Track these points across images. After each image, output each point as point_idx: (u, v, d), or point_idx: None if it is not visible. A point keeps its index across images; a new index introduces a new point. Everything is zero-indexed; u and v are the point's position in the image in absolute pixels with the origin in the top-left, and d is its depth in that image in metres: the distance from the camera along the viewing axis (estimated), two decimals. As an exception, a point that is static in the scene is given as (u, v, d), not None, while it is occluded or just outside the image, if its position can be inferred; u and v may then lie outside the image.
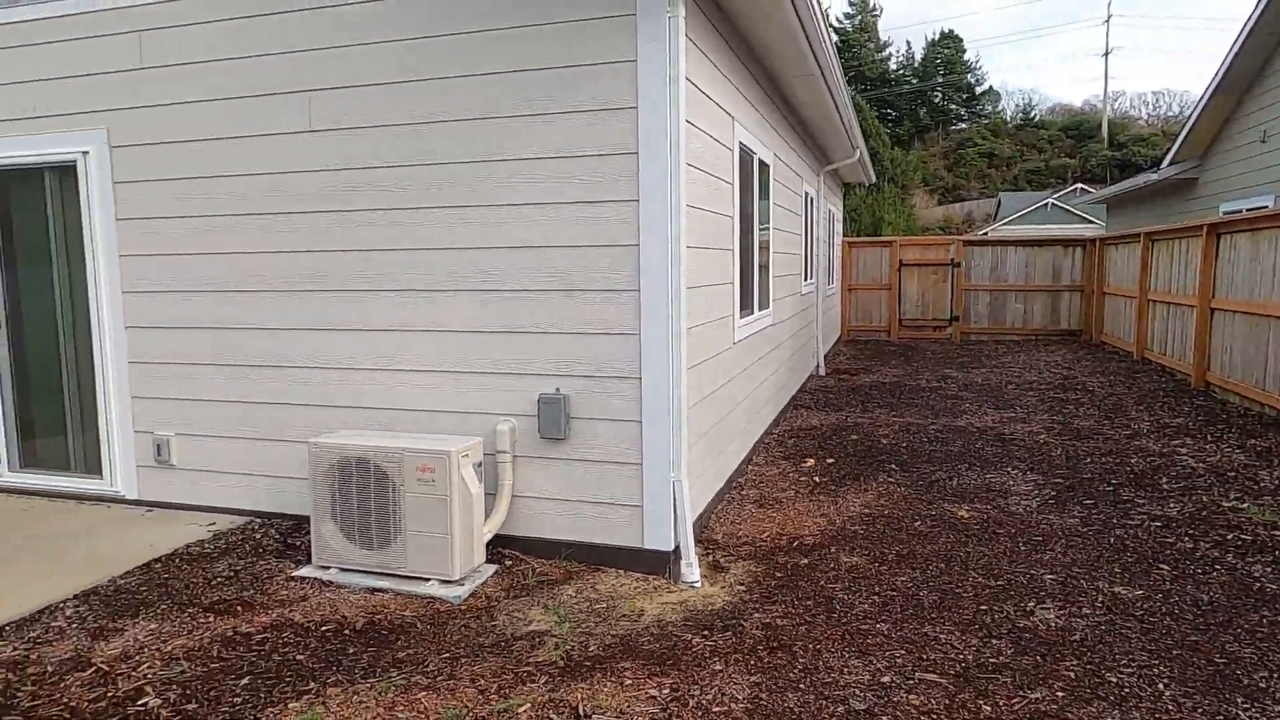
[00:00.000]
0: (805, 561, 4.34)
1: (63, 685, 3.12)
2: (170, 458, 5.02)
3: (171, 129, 4.79)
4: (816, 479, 5.96)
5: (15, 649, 3.40)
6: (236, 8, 4.57)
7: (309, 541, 4.46)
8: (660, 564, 4.15)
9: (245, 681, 3.13)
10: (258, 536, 4.64)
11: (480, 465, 4.11)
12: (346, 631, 3.54)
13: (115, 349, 5.05)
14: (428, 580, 3.96)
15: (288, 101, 4.54)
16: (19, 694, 3.07)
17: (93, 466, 5.26)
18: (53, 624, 3.61)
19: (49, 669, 3.24)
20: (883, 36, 64.63)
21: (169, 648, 3.39)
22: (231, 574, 4.13)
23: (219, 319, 4.84)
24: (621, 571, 4.18)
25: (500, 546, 4.35)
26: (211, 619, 3.65)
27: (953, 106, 62.68)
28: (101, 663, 3.28)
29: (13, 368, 5.35)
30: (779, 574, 4.17)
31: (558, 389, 4.23)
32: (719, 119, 5.01)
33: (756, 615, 3.69)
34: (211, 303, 4.85)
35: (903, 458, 6.56)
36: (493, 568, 4.18)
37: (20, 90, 5.04)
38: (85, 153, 4.94)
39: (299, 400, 4.73)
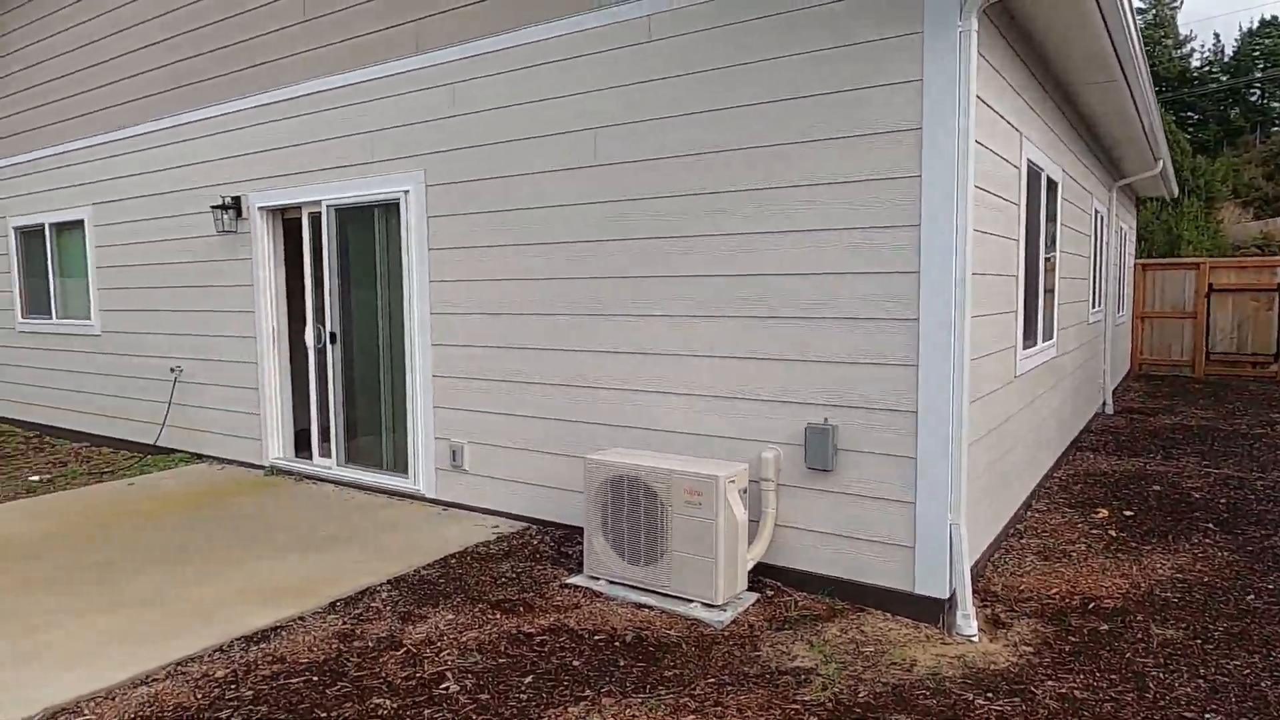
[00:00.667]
0: (1105, 628, 3.84)
1: (380, 661, 3.54)
2: (463, 463, 5.57)
3: (474, 168, 5.35)
4: (1112, 533, 5.28)
5: (344, 623, 3.92)
6: (526, 57, 5.02)
7: (580, 551, 4.72)
8: (932, 611, 3.88)
9: (529, 680, 3.35)
10: (534, 542, 5.00)
11: (745, 491, 4.11)
12: (616, 643, 3.68)
13: (423, 363, 5.71)
14: (691, 601, 4.02)
15: (576, 139, 4.89)
16: (347, 663, 3.53)
17: (400, 466, 5.98)
18: (371, 604, 4.13)
19: (369, 644, 3.69)
20: (1182, 31, 57.04)
21: (464, 639, 3.73)
22: (513, 575, 4.48)
23: (508, 339, 5.31)
24: (889, 615, 3.97)
25: (761, 575, 4.31)
26: (498, 616, 3.97)
27: (1275, 104, 53.65)
28: (410, 645, 3.68)
29: (343, 376, 6.25)
30: (1073, 639, 3.73)
31: (826, 419, 4.13)
32: (1006, 136, 4.65)
33: (1050, 684, 3.31)
34: (502, 324, 5.32)
35: (1222, 516, 5.62)
36: (754, 596, 4.15)
37: (361, 140, 5.91)
38: (406, 191, 5.66)
39: (575, 417, 5.05)
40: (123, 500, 6.11)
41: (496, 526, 5.28)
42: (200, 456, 7.37)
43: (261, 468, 6.85)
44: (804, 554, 4.25)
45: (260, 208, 6.57)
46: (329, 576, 4.47)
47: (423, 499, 5.83)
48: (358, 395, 6.25)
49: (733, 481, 4.00)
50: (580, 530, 4.95)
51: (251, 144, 6.61)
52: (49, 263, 8.65)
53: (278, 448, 6.81)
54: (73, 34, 7.99)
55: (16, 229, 9.01)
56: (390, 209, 5.83)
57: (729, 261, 4.39)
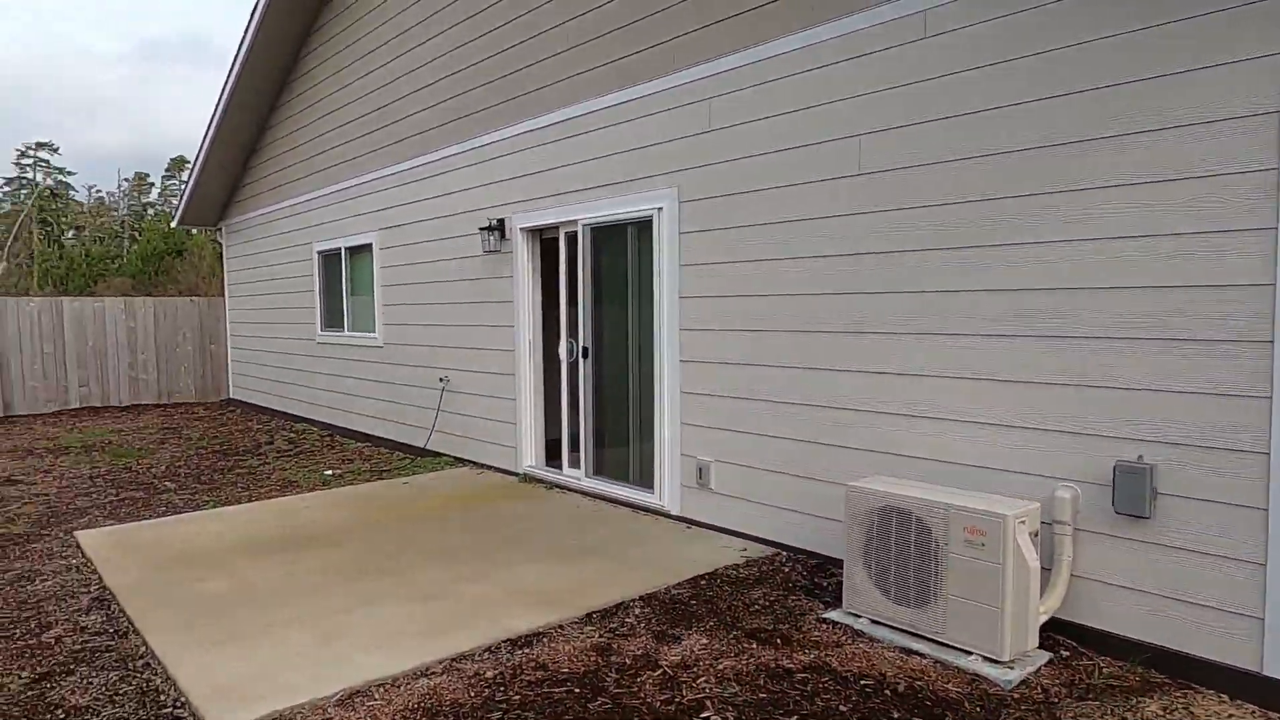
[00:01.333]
0: None
1: (638, 680, 3.50)
2: (709, 482, 5.49)
3: (727, 183, 5.27)
4: None
5: (600, 635, 3.94)
6: (780, 69, 4.85)
7: (835, 583, 4.44)
8: (1287, 699, 3.17)
9: (794, 721, 3.14)
10: (785, 570, 4.78)
11: (1036, 534, 3.63)
12: (886, 692, 3.37)
13: (671, 379, 5.72)
14: (970, 654, 3.60)
15: (835, 148, 4.66)
16: (606, 678, 3.52)
17: (646, 481, 6.03)
18: (625, 620, 4.12)
19: (626, 661, 3.67)
20: None
21: (720, 666, 3.60)
22: (766, 604, 4.29)
23: (759, 356, 5.16)
24: (1224, 697, 3.30)
25: (1053, 631, 3.79)
26: (754, 646, 3.80)
27: None
28: (666, 666, 3.61)
29: (593, 390, 6.43)
30: None
31: (1140, 456, 3.54)
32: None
33: None
34: (754, 341, 5.19)
35: None
36: (1045, 655, 3.64)
37: (617, 160, 6.07)
38: (659, 208, 5.72)
39: (831, 440, 4.78)
40: (400, 498, 6.70)
41: (744, 550, 5.13)
42: (461, 461, 7.95)
43: (515, 474, 7.23)
44: (1108, 613, 3.67)
45: (521, 228, 6.97)
46: (583, 586, 4.54)
47: (667, 515, 5.82)
48: (606, 409, 6.41)
49: (1022, 522, 3.55)
50: (835, 561, 4.67)
51: (514, 169, 7.05)
52: (343, 282, 9.82)
53: (531, 456, 7.16)
54: (363, 82, 9.03)
55: (319, 253, 10.34)
56: (643, 226, 5.93)
57: (1013, 274, 3.93)
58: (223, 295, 14.03)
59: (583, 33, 6.28)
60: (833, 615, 4.11)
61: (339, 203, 9.81)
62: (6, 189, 51.05)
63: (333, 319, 10.19)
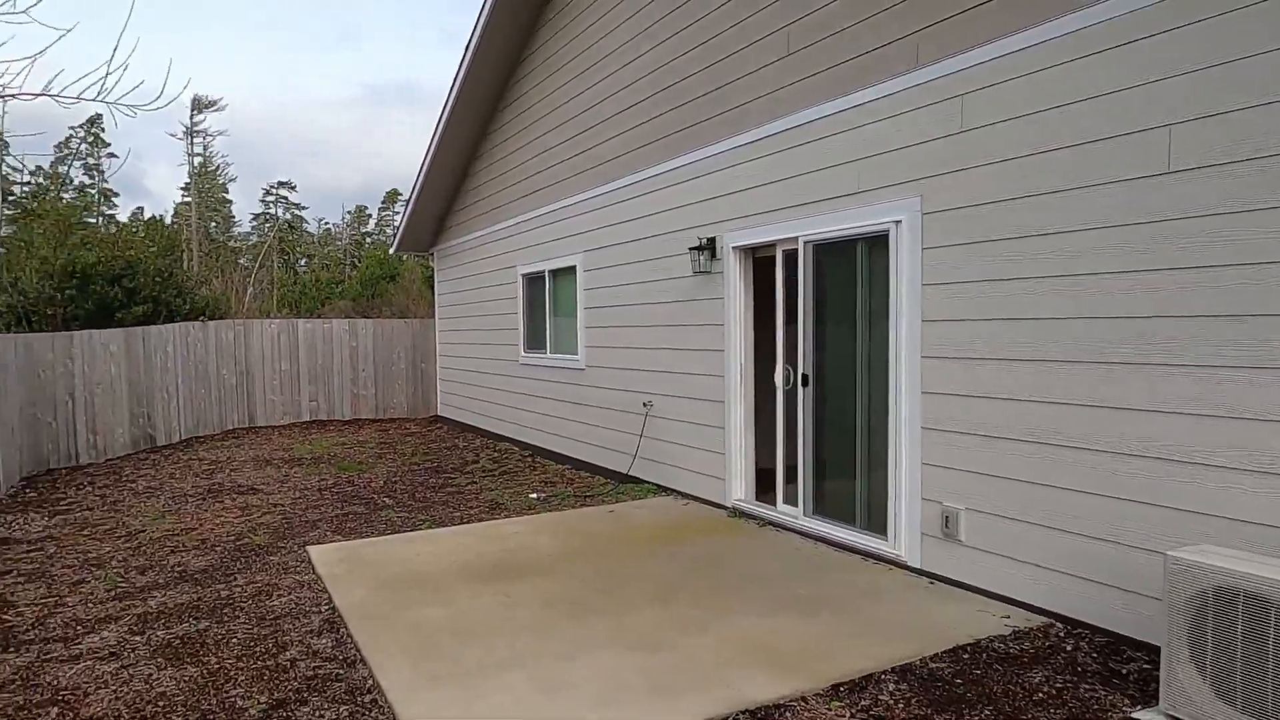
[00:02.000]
0: None
1: (909, 780, 2.92)
2: (958, 532, 4.78)
3: (984, 189, 4.59)
4: None
5: (853, 716, 3.39)
6: (1057, 54, 4.12)
7: (1138, 671, 3.62)
8: None
9: None
10: (1068, 648, 3.99)
11: None
12: (1254, 838, 2.58)
13: (910, 412, 5.07)
14: (1367, 795, 2.72)
15: (1135, 144, 3.87)
16: (867, 772, 2.97)
17: (876, 525, 5.39)
18: (880, 696, 3.54)
19: (888, 752, 3.10)
20: None
21: (1011, 773, 2.95)
22: (1053, 692, 3.55)
23: (1029, 390, 4.41)
24: None
25: None
26: (1050, 750, 3.10)
27: None
28: (941, 766, 3.00)
29: (813, 421, 5.88)
30: None
31: None
32: None
33: None
34: (1019, 372, 4.45)
35: None
36: None
37: (843, 171, 5.53)
38: (897, 221, 5.11)
39: (1131, 495, 3.95)
40: (606, 527, 6.47)
41: (1006, 617, 4.37)
42: (665, 489, 7.64)
43: (723, 508, 6.81)
44: None
45: (733, 247, 6.58)
46: (820, 648, 4.00)
47: (903, 566, 5.15)
48: (828, 443, 5.83)
49: None
50: (1132, 641, 3.84)
51: (725, 186, 6.68)
52: (546, 304, 9.90)
53: (740, 489, 6.71)
54: (569, 105, 9.06)
55: (523, 275, 10.51)
56: (876, 242, 5.34)
57: None
58: (432, 316, 14.77)
59: (802, 38, 5.81)
60: (1145, 716, 3.31)
61: (543, 226, 9.92)
62: (254, 223, 58.00)
63: (535, 341, 10.30)
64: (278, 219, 57.80)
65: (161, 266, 13.15)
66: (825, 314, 5.80)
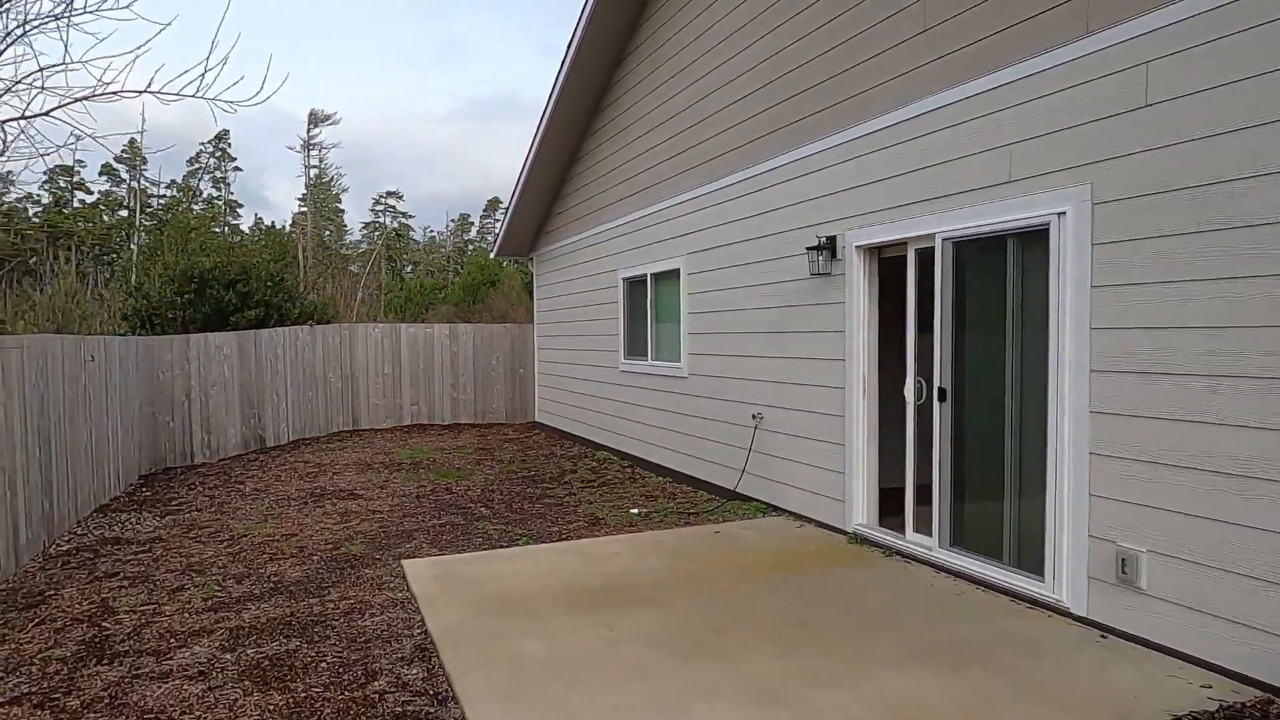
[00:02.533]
0: None
1: None
2: (1137, 578, 4.03)
3: (1176, 173, 3.84)
4: None
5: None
6: (1306, -3, 3.35)
7: None
8: None
9: None
10: (1300, 734, 3.23)
11: None
12: None
13: (1075, 434, 4.34)
14: None
15: (1395, 107, 3.08)
16: None
17: (1029, 563, 4.67)
18: (1062, 787, 2.89)
19: None
20: None
21: None
22: (1294, 797, 2.82)
23: (1235, 413, 3.64)
24: None
25: None
26: None
27: None
28: None
29: (952, 441, 5.20)
30: None
31: None
32: None
33: None
34: (1229, 391, 3.68)
35: None
36: None
37: (990, 158, 4.85)
38: (1060, 214, 4.40)
39: (1373, 545, 3.16)
40: (714, 551, 5.94)
41: (1208, 686, 3.61)
42: (775, 509, 7.05)
43: (843, 533, 6.17)
44: None
45: (857, 246, 5.96)
46: (979, 717, 3.37)
47: (1063, 613, 4.41)
48: (969, 466, 5.14)
49: None
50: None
51: (846, 180, 6.06)
52: (648, 309, 9.47)
53: (862, 513, 6.06)
54: (673, 102, 8.60)
55: (624, 280, 10.12)
56: (1032, 238, 4.63)
57: None
58: (531, 321, 14.60)
59: (941, 10, 5.16)
60: None
61: (645, 228, 9.49)
62: (364, 232, 60.29)
63: (636, 347, 9.88)
64: (386, 227, 59.88)
65: (273, 271, 13.45)
66: (966, 320, 5.11)
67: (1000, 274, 4.86)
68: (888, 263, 6.01)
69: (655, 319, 9.38)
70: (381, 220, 61.36)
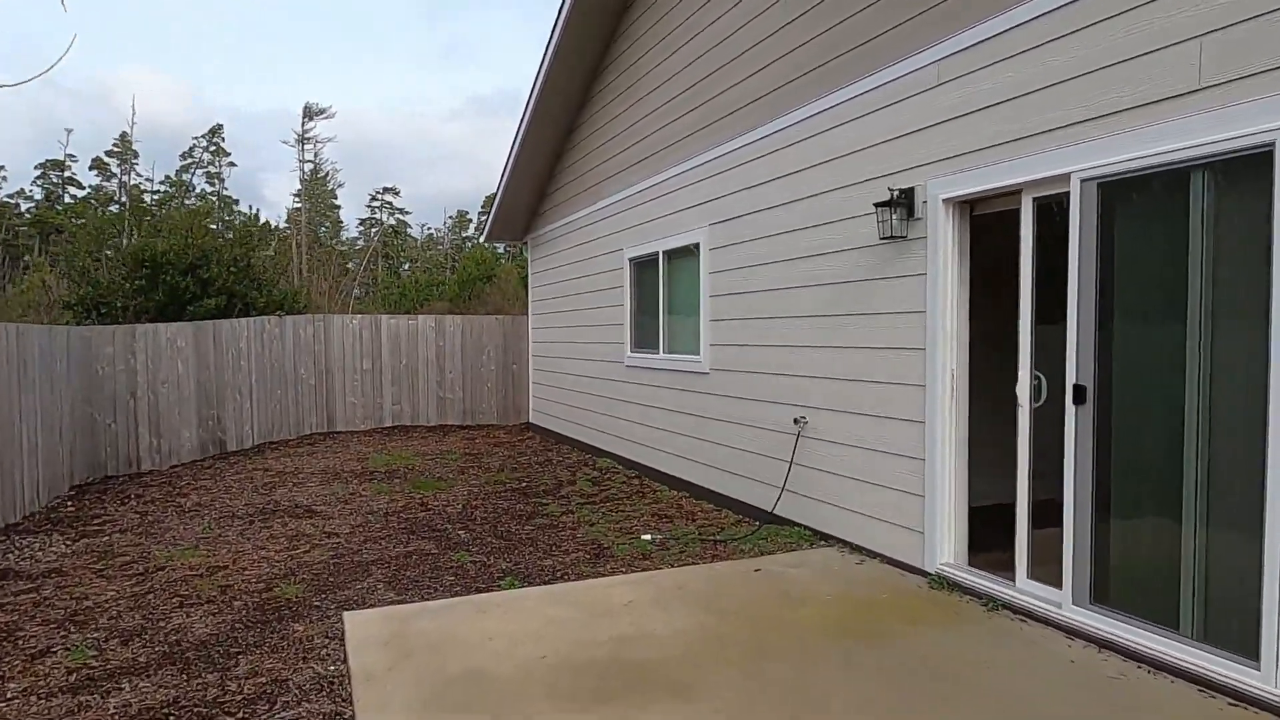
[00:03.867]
0: None
1: None
2: None
3: None
4: None
5: None
6: None
7: None
8: None
9: None
10: None
11: None
12: None
13: (1322, 457, 2.87)
14: None
15: None
16: None
17: (1229, 639, 3.19)
18: None
19: None
20: None
21: None
22: None
23: None
24: None
25: None
26: None
27: None
28: None
29: (1094, 458, 3.72)
30: None
31: None
32: None
33: None
34: None
35: None
36: None
37: (1170, 59, 3.37)
38: (1294, 128, 2.92)
39: None
40: (757, 599, 4.45)
41: None
42: (824, 537, 5.56)
43: (919, 572, 4.70)
44: None
45: (946, 200, 4.48)
46: None
47: (1296, 718, 2.95)
48: (1123, 493, 3.66)
49: None
50: None
51: (927, 114, 4.59)
52: (660, 293, 7.98)
53: (948, 549, 4.58)
54: (690, 47, 7.11)
55: (631, 260, 8.63)
56: (1238, 169, 3.16)
57: None
58: (525, 313, 13.09)
59: None
60: None
61: (655, 199, 8.01)
62: (360, 228, 58.67)
63: (645, 338, 8.39)
64: (382, 224, 58.37)
65: (238, 256, 11.91)
66: (1117, 292, 3.64)
67: (1177, 225, 3.38)
68: (981, 222, 4.53)
69: (668, 305, 7.89)
70: (378, 217, 59.81)
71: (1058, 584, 3.89)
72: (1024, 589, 4.09)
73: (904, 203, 4.66)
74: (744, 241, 6.44)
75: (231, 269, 11.67)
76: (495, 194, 11.54)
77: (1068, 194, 3.78)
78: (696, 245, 7.20)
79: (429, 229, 61.84)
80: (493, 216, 11.95)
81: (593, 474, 8.69)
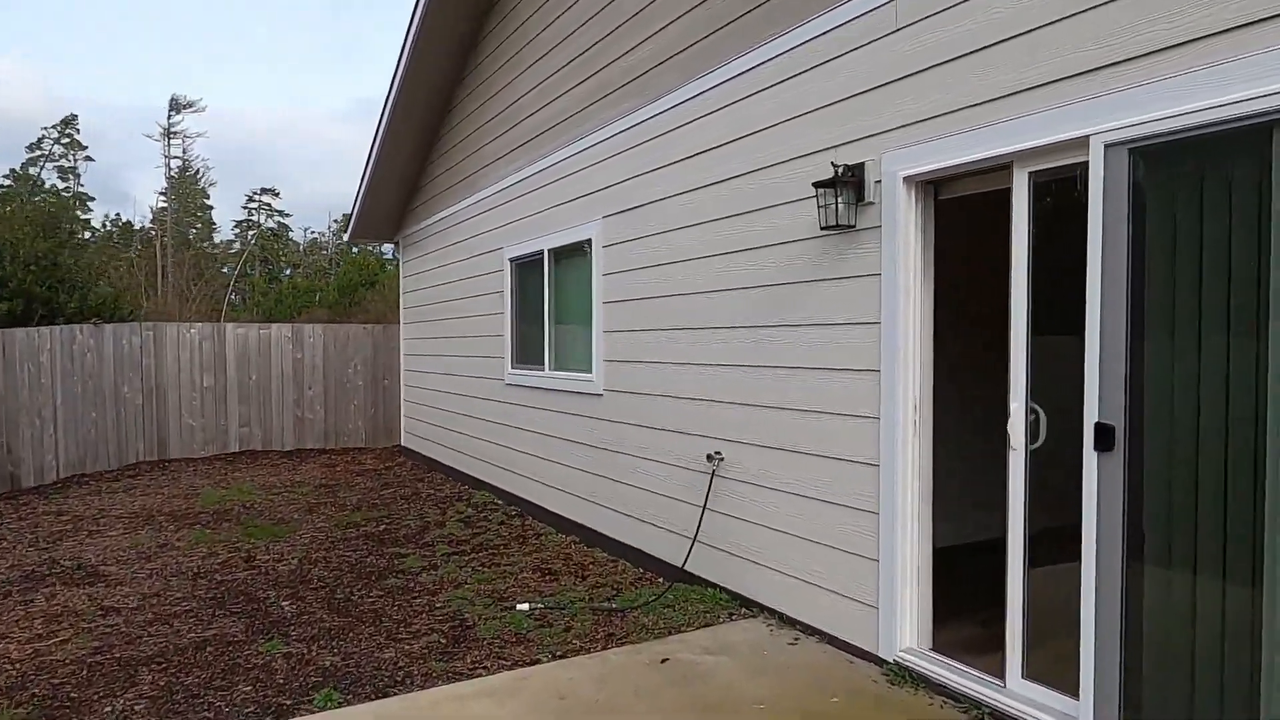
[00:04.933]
0: None
1: None
2: None
3: None
4: None
5: None
6: None
7: None
8: None
9: None
10: None
11: None
12: None
13: None
14: None
15: None
16: None
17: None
18: None
19: None
20: None
21: None
22: None
23: None
24: None
25: None
26: None
27: None
28: None
29: (1125, 517, 2.68)
30: None
31: None
32: None
33: None
34: None
35: None
36: None
37: (1231, -27, 2.38)
38: None
39: None
40: (664, 708, 3.22)
41: None
42: (747, 604, 4.40)
43: (875, 660, 3.58)
44: None
45: (907, 177, 3.41)
46: None
47: None
48: (1166, 575, 2.63)
49: None
50: None
51: (887, 65, 3.51)
52: (545, 299, 6.68)
53: (909, 629, 3.49)
54: (582, 4, 5.88)
55: (511, 261, 7.29)
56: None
57: None
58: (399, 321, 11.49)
59: None
60: None
61: (540, 188, 6.71)
62: (235, 231, 54.35)
63: (529, 352, 7.06)
64: (259, 226, 54.37)
65: (41, 252, 9.78)
66: (1158, 298, 2.62)
67: (1249, 202, 2.39)
68: (952, 207, 3.49)
69: (555, 313, 6.60)
70: (255, 219, 55.69)
71: (1064, 687, 2.85)
72: (1020, 694, 3.03)
73: (851, 182, 3.56)
74: (645, 236, 5.25)
75: (32, 267, 9.54)
76: (359, 186, 9.94)
77: (1083, 165, 2.75)
78: (588, 242, 5.95)
79: (312, 233, 58.08)
80: (356, 212, 10.32)
81: (467, 511, 7.28)
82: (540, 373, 6.72)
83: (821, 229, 3.67)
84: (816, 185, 3.63)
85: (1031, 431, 3.02)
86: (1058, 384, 2.98)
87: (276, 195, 57.20)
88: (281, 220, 56.64)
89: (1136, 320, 2.64)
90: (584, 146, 5.97)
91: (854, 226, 3.60)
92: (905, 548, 3.48)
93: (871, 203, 3.54)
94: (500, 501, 7.50)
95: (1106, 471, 2.70)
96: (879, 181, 3.51)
